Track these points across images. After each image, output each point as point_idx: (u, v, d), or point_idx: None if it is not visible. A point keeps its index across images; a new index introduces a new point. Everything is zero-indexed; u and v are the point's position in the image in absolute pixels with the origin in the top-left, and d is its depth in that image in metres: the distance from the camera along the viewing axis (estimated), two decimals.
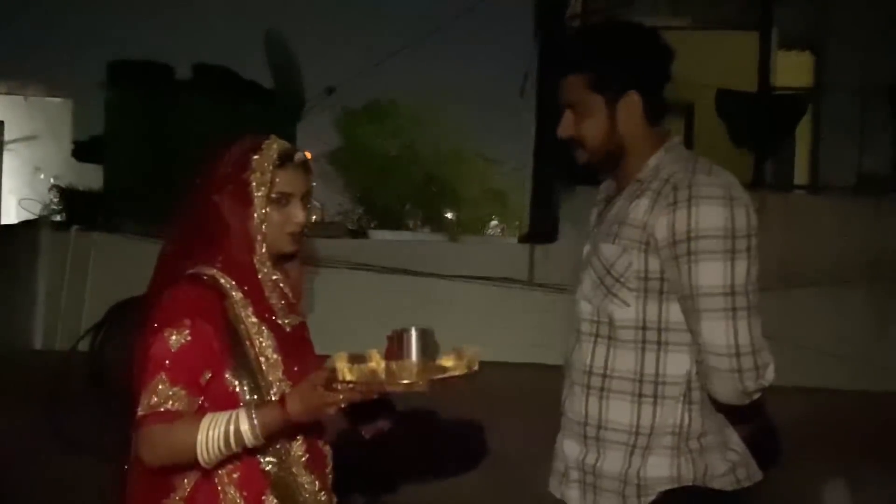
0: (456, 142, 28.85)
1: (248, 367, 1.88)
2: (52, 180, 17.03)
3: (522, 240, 8.85)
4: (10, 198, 17.02)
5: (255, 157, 1.94)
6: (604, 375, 1.83)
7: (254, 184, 1.92)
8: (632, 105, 1.87)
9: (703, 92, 8.35)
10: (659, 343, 1.78)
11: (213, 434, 1.76)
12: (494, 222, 31.09)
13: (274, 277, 1.98)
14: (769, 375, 1.75)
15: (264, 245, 1.93)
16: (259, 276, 1.94)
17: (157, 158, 8.98)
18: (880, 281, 6.87)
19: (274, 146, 1.96)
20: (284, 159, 1.95)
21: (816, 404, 5.75)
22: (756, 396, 1.75)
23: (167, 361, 1.82)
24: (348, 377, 1.63)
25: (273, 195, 1.93)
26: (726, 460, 1.81)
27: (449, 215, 29.67)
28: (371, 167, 27.83)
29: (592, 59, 1.86)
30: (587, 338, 1.87)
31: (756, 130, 7.83)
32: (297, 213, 1.97)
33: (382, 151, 28.21)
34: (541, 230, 7.75)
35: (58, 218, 8.85)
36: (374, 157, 27.98)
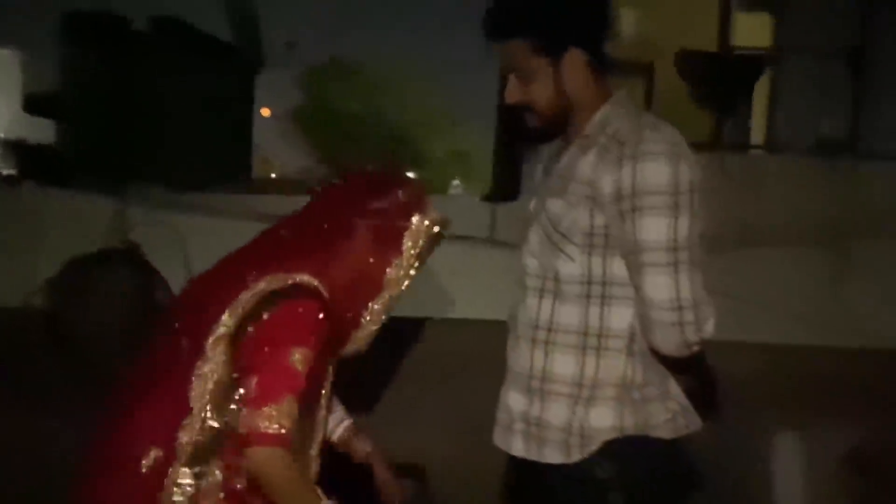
0: (420, 102, 28.69)
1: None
2: (0, 134, 16.64)
3: (485, 198, 8.88)
4: None
5: (419, 215, 1.95)
6: (549, 329, 1.86)
7: (409, 240, 1.94)
8: (575, 62, 1.85)
9: (664, 51, 8.38)
10: (603, 297, 1.81)
11: None
12: (456, 182, 31.10)
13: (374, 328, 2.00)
14: (709, 328, 1.79)
15: (388, 298, 1.95)
16: (361, 319, 1.95)
17: (113, 113, 8.83)
18: (834, 241, 7.02)
19: (436, 214, 1.98)
20: (440, 231, 1.98)
21: (771, 359, 5.93)
22: (696, 349, 1.78)
23: (296, 383, 1.79)
24: None
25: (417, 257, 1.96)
26: (667, 409, 1.86)
27: (412, 175, 29.62)
28: (334, 126, 27.59)
29: (530, 23, 1.82)
30: (533, 293, 1.89)
31: (715, 90, 7.89)
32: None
33: (346, 110, 27.96)
34: (503, 188, 7.77)
35: (8, 172, 8.67)
36: (337, 115, 27.73)
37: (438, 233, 1.98)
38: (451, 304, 7.27)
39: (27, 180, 7.84)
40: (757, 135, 10.63)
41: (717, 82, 7.84)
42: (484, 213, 7.97)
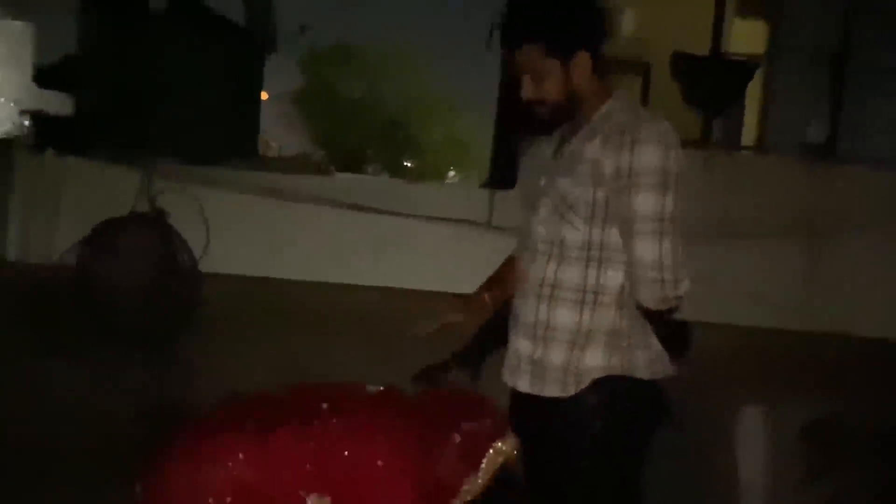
0: (421, 88, 28.69)
1: None
2: (12, 105, 16.79)
3: (484, 185, 9.19)
4: None
5: (500, 441, 2.14)
6: (553, 286, 2.20)
7: (487, 463, 2.10)
8: (583, 63, 2.21)
9: (661, 53, 8.73)
10: (600, 261, 2.16)
11: None
12: (452, 172, 31.13)
13: None
14: (684, 287, 2.15)
15: None
16: None
17: (130, 87, 9.10)
18: (812, 236, 7.43)
19: (512, 441, 2.16)
20: (515, 455, 2.16)
21: (752, 340, 6.40)
22: (674, 304, 2.13)
23: None
24: None
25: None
26: (647, 356, 2.19)
27: (409, 164, 29.70)
28: (334, 109, 27.68)
29: (545, 29, 2.16)
30: (542, 256, 2.22)
31: (705, 92, 8.21)
32: None
33: (346, 94, 28.03)
34: (501, 176, 8.09)
35: (32, 141, 8.96)
36: (337, 99, 27.81)
37: (512, 457, 2.18)
38: (452, 282, 7.60)
39: (49, 149, 8.17)
40: (750, 136, 10.99)
41: (706, 84, 8.16)
42: (482, 199, 8.31)
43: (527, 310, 2.24)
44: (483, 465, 2.12)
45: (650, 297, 2.12)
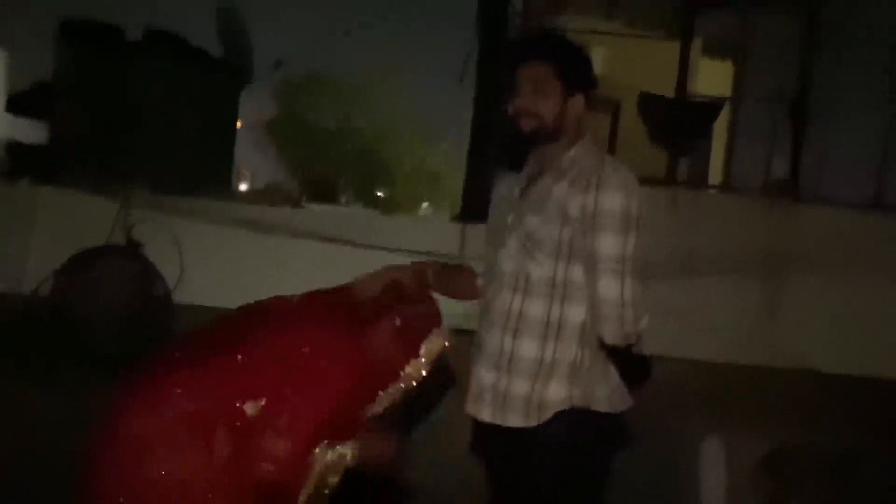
0: (394, 120, 28.85)
1: None
2: None
3: (455, 218, 9.31)
4: None
5: (436, 330, 2.23)
6: (518, 319, 2.30)
7: (426, 348, 2.20)
8: (578, 103, 2.37)
9: (630, 92, 8.98)
10: (563, 296, 2.27)
11: None
12: (425, 204, 31.24)
13: None
14: (643, 324, 2.27)
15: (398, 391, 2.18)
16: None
17: (106, 117, 9.17)
18: (774, 273, 7.64)
19: (447, 334, 2.26)
20: (449, 346, 2.27)
21: (713, 375, 6.57)
22: (633, 339, 2.25)
23: None
24: None
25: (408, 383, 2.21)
26: (606, 388, 2.30)
27: (381, 195, 29.80)
28: (307, 140, 27.77)
29: (564, 56, 2.35)
30: (508, 289, 2.32)
31: (671, 132, 8.45)
32: None
33: (319, 124, 28.13)
34: (473, 209, 8.23)
35: (6, 169, 8.97)
36: (310, 129, 27.90)
37: (445, 347, 2.28)
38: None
39: (24, 178, 8.18)
40: (715, 175, 11.26)
41: (672, 124, 8.39)
42: (453, 232, 8.43)
43: (491, 341, 2.32)
44: (423, 350, 2.18)
45: (612, 333, 2.23)
